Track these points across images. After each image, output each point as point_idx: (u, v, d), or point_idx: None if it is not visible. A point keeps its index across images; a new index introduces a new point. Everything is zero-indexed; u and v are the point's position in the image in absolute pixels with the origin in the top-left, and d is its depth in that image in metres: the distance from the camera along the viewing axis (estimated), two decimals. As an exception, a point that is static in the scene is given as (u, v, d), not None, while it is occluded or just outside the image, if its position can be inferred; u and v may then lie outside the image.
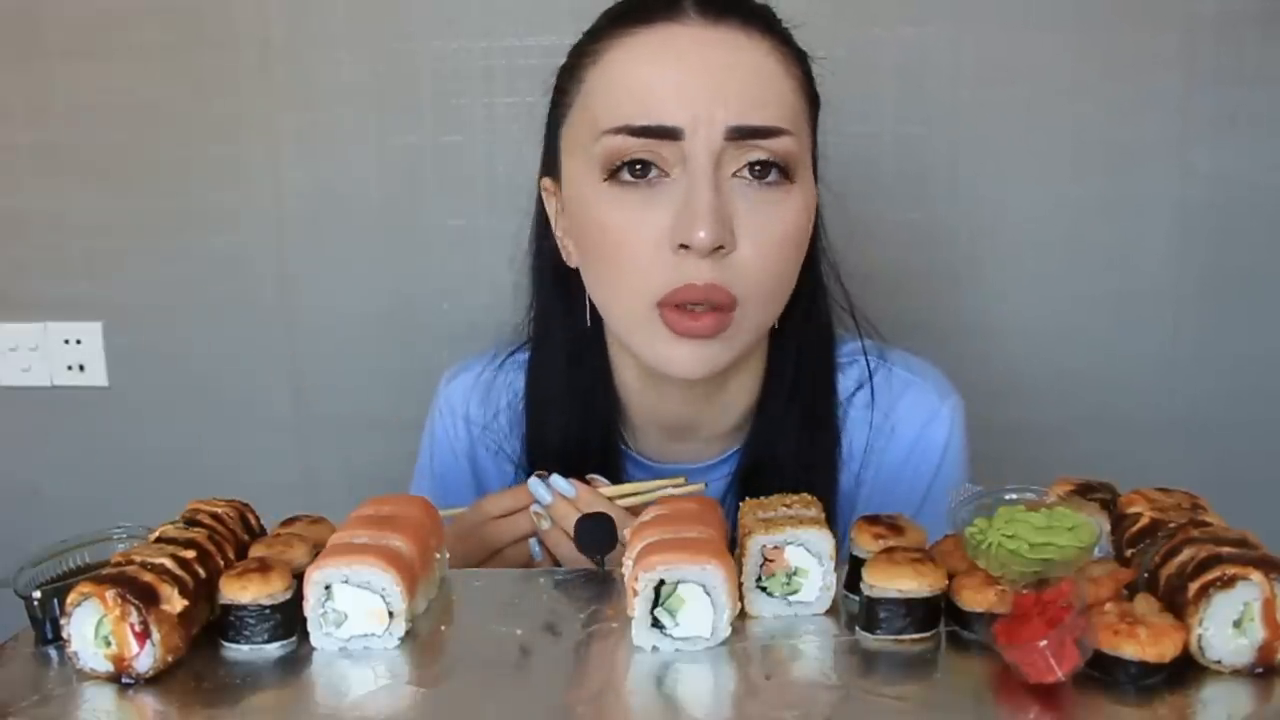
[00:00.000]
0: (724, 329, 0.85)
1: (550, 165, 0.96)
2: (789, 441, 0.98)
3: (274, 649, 0.70)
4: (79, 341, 1.54)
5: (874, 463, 1.00)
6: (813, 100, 0.92)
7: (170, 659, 0.67)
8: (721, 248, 0.83)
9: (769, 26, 0.88)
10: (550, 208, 0.96)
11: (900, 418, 1.00)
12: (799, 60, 0.90)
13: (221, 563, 0.73)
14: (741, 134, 0.83)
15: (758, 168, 0.85)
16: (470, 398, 1.07)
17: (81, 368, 1.55)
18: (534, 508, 0.91)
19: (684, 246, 0.83)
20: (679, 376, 0.89)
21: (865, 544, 0.74)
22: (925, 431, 1.00)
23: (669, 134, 0.83)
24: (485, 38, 1.41)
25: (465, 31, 1.41)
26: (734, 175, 0.85)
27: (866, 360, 1.01)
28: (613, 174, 0.86)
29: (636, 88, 0.85)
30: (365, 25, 1.43)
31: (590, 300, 0.94)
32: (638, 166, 0.85)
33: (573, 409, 1.00)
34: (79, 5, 1.45)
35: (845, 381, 1.01)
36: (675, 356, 0.87)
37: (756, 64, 0.86)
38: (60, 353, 1.55)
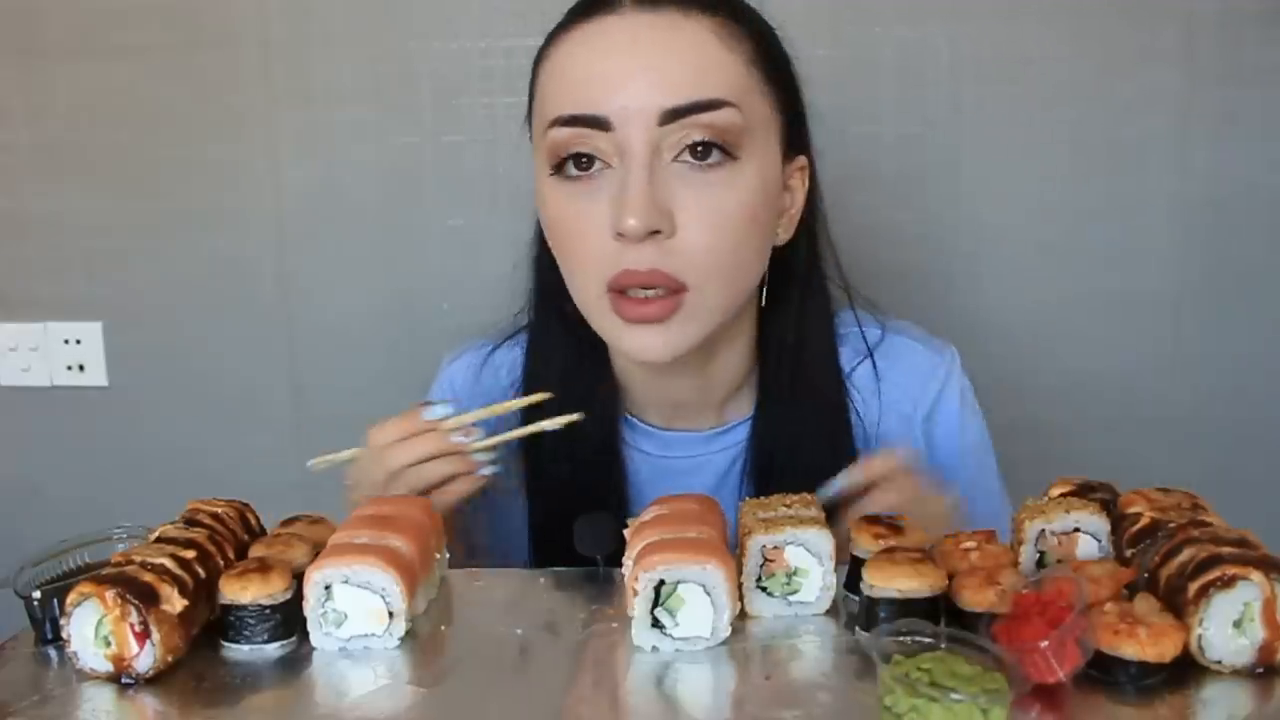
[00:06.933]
0: (675, 312, 0.86)
1: None
2: (795, 418, 0.98)
3: (274, 649, 0.70)
4: (79, 341, 1.54)
5: (887, 430, 1.01)
6: (775, 72, 0.90)
7: (170, 659, 0.67)
8: (659, 233, 0.84)
9: (713, 6, 0.88)
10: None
11: (904, 382, 1.02)
12: (751, 34, 0.89)
13: (221, 563, 0.73)
14: (677, 114, 0.84)
15: (700, 149, 0.85)
16: (470, 376, 1.08)
17: (81, 368, 1.55)
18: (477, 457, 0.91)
19: (621, 235, 0.84)
20: (644, 361, 0.90)
21: (865, 544, 0.74)
22: (932, 390, 1.02)
23: (598, 124, 0.85)
24: (485, 38, 1.41)
25: (465, 31, 1.41)
26: (675, 160, 0.85)
27: (861, 330, 1.02)
28: (557, 168, 0.88)
29: (568, 80, 0.88)
30: (365, 25, 1.43)
31: None
32: (583, 160, 0.87)
33: (573, 385, 1.00)
34: (79, 5, 1.45)
35: (846, 352, 1.01)
36: (635, 342, 0.88)
37: (692, 42, 0.85)
38: (60, 353, 1.55)
